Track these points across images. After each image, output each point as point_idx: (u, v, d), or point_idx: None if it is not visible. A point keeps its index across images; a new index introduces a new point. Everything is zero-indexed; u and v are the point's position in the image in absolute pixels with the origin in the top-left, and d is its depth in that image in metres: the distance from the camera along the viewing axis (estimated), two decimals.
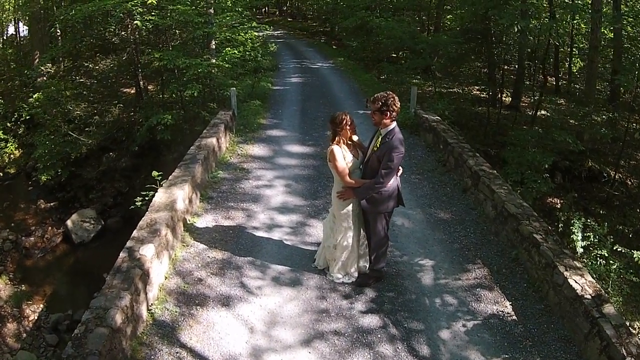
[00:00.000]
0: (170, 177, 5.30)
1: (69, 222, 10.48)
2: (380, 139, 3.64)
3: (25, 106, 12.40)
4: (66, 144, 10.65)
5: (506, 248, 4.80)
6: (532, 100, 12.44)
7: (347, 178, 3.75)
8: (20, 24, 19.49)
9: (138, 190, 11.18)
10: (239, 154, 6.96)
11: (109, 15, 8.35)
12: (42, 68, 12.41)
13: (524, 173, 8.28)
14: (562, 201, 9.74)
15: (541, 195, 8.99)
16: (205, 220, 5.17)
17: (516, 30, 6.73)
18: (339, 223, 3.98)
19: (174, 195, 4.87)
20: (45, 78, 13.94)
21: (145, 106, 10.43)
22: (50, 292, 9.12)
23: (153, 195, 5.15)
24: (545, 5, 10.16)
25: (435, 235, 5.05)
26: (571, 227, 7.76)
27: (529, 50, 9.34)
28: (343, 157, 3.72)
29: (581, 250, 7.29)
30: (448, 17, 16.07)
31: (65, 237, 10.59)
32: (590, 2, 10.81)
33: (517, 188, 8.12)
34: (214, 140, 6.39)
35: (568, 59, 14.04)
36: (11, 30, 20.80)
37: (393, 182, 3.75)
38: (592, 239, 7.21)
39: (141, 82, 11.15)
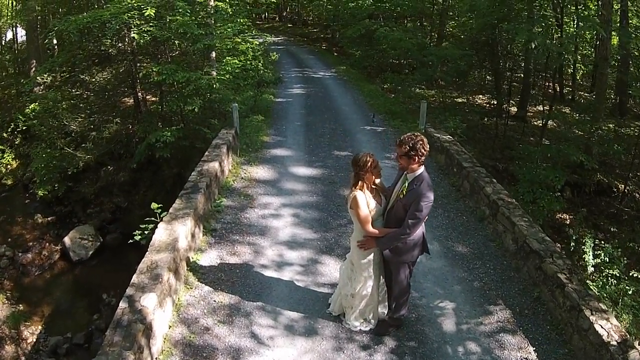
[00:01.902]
0: (170, 210, 4.92)
1: (66, 240, 10.10)
2: (407, 184, 3.26)
3: (22, 118, 11.98)
4: (63, 158, 10.23)
5: (528, 286, 4.53)
6: (541, 109, 12.09)
7: (370, 227, 3.38)
8: (20, 29, 18.97)
9: (137, 206, 10.91)
10: (242, 178, 6.56)
11: (105, 28, 7.87)
12: (38, 79, 11.94)
13: (535, 191, 7.98)
14: (571, 217, 9.46)
15: (551, 212, 8.70)
16: (210, 257, 4.79)
17: (533, 47, 6.39)
18: (359, 272, 3.62)
19: (176, 233, 4.49)
20: (41, 87, 13.48)
21: (144, 119, 10.00)
22: (48, 313, 8.82)
23: (153, 229, 4.78)
24: (549, 13, 9.79)
25: (455, 273, 4.71)
26: (583, 247, 7.48)
27: (534, 58, 8.97)
28: (366, 204, 3.33)
29: (592, 269, 7.03)
30: (450, 23, 15.66)
31: (63, 254, 10.26)
32: (596, 13, 10.49)
33: (529, 207, 7.85)
34: (216, 164, 6.00)
35: (572, 66, 13.70)
36: (10, 35, 20.26)
37: (419, 230, 3.39)
38: (603, 258, 6.96)
39: (139, 94, 10.70)
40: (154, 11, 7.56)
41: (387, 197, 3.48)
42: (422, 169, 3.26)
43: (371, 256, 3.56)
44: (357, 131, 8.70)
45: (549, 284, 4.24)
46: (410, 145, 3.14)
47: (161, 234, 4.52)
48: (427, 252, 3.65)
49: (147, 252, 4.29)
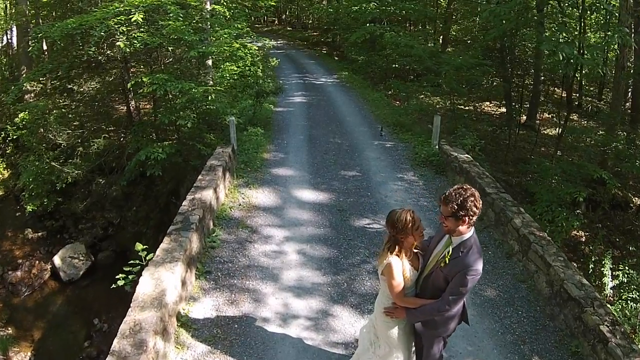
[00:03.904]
0: (158, 252, 4.15)
1: (56, 259, 9.35)
2: (451, 250, 2.51)
3: (10, 127, 11.16)
4: (51, 172, 9.42)
5: (564, 337, 3.90)
6: (549, 116, 11.37)
7: (402, 298, 2.64)
8: (15, 33, 18.03)
9: (130, 223, 10.10)
10: (240, 204, 5.77)
11: (89, 35, 7.03)
12: (28, 87, 11.09)
13: (554, 210, 7.30)
14: (586, 234, 8.79)
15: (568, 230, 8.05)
16: (204, 308, 4.04)
17: (561, 58, 5.68)
18: (384, 343, 2.90)
19: (163, 284, 3.74)
20: (32, 95, 12.63)
21: (136, 131, 9.17)
22: (38, 337, 8.22)
23: (139, 273, 4.04)
24: (567, 20, 9.02)
25: (484, 324, 3.99)
26: (602, 269, 6.83)
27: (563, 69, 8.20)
28: (402, 272, 2.58)
29: (610, 291, 6.39)
30: (454, 27, 14.86)
31: (54, 273, 9.55)
32: (604, 18, 9.75)
33: (547, 226, 7.20)
34: (210, 192, 5.21)
35: (579, 71, 12.93)
36: (6, 39, 19.31)
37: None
38: (621, 278, 6.34)
39: (131, 104, 9.87)
40: (142, 16, 6.73)
41: (425, 257, 2.73)
42: (471, 231, 2.50)
43: (397, 327, 2.83)
44: (365, 146, 7.90)
45: (589, 336, 3.66)
46: (459, 203, 2.38)
47: (146, 284, 3.76)
48: (466, 322, 2.91)
49: (129, 309, 3.55)
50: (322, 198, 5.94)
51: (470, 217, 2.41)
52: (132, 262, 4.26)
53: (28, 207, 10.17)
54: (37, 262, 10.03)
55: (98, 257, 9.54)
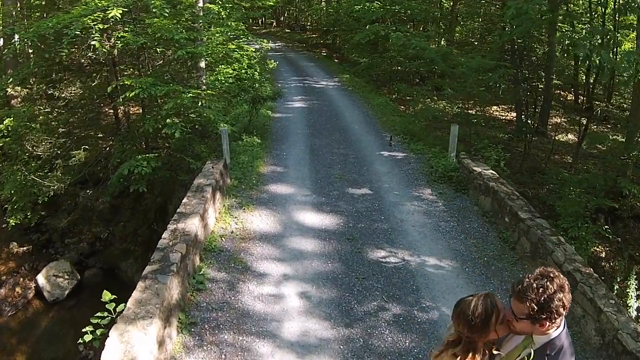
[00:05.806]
0: (129, 304, 3.25)
1: (40, 278, 8.46)
2: (532, 354, 1.66)
3: None
4: (33, 185, 8.50)
5: None
6: (558, 121, 10.53)
7: None
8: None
9: (118, 238, 9.20)
10: (233, 231, 4.82)
11: (63, 34, 6.14)
12: (12, 91, 10.14)
13: (580, 226, 6.50)
14: (606, 249, 8.01)
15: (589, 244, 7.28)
16: None
17: (598, 63, 4.89)
18: None
19: (133, 351, 2.85)
20: (19, 100, 11.69)
21: (122, 139, 8.24)
22: None
23: (108, 326, 3.18)
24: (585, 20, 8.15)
25: None
26: (627, 290, 6.10)
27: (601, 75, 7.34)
28: None
29: (635, 313, 5.73)
30: (456, 29, 13.96)
31: (38, 292, 8.68)
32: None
33: (571, 243, 6.45)
34: (196, 220, 4.29)
35: (586, 72, 12.08)
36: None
37: None
38: None
39: (119, 110, 8.92)
40: (120, 12, 5.81)
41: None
42: (560, 328, 1.65)
43: None
44: (374, 158, 6.94)
45: None
46: (541, 302, 1.52)
47: (113, 350, 2.86)
48: None
49: None
50: (327, 223, 5.00)
51: (553, 320, 1.56)
52: (99, 314, 3.39)
53: (11, 220, 9.30)
54: (21, 279, 9.16)
55: (84, 275, 8.64)
